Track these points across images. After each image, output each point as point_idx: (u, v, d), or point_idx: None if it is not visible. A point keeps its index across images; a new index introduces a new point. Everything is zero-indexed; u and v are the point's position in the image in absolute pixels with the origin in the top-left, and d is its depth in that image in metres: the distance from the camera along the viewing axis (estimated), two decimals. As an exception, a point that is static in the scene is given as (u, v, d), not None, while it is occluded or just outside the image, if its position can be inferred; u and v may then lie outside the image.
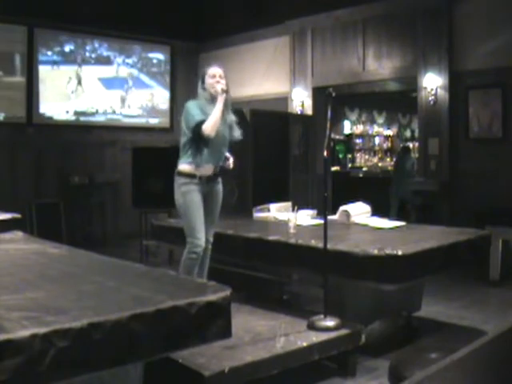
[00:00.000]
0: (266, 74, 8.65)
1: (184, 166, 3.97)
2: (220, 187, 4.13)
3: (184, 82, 9.48)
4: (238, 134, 4.12)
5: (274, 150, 7.31)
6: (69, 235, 7.73)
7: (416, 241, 3.69)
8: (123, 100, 8.93)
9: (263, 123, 7.12)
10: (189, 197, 3.93)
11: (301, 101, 8.22)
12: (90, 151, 8.51)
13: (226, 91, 3.93)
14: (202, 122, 3.83)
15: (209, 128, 3.80)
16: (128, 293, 2.32)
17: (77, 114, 8.47)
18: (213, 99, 3.94)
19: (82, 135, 8.45)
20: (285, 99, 8.40)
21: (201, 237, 3.91)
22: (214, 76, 3.99)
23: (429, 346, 2.82)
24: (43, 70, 8.12)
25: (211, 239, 4.13)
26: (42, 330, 1.81)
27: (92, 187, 8.39)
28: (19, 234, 3.98)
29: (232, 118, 4.08)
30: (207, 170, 3.99)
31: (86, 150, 8.45)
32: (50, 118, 8.23)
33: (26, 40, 7.91)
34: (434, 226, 4.66)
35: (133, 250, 7.21)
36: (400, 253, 3.30)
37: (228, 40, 9.10)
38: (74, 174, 8.24)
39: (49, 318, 1.93)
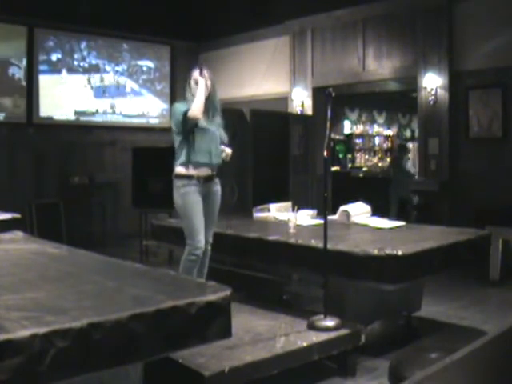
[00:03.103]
0: (266, 74, 8.65)
1: (180, 168, 3.99)
2: (218, 188, 4.13)
3: (184, 81, 9.45)
4: (224, 136, 4.18)
5: (274, 150, 7.31)
6: (69, 235, 7.72)
7: (416, 241, 3.69)
8: (115, 105, 8.93)
9: (263, 123, 7.11)
10: (188, 198, 3.94)
11: (301, 101, 8.22)
12: (89, 151, 8.51)
13: (213, 86, 4.03)
14: (187, 110, 3.88)
15: (194, 110, 3.85)
16: (128, 293, 2.32)
17: (77, 113, 8.47)
18: None
19: (82, 135, 8.45)
20: (285, 99, 8.40)
21: (201, 239, 3.91)
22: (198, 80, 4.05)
23: (429, 346, 2.82)
24: (43, 70, 8.11)
25: (211, 240, 4.13)
26: (42, 330, 1.81)
27: (92, 187, 8.39)
28: (19, 233, 3.98)
29: (219, 120, 4.13)
30: (204, 170, 4.01)
31: (85, 150, 8.45)
32: (50, 118, 8.23)
33: (26, 40, 7.91)
34: (434, 226, 4.66)
35: (133, 250, 7.21)
36: (400, 253, 3.30)
37: (228, 40, 9.11)
38: (73, 174, 8.24)
39: (49, 317, 1.93)
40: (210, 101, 4.02)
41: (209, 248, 4.12)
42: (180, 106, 4.01)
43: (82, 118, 8.54)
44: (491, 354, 1.46)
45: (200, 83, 3.96)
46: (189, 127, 3.92)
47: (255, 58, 8.84)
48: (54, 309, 2.05)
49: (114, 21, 8.34)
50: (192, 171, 3.96)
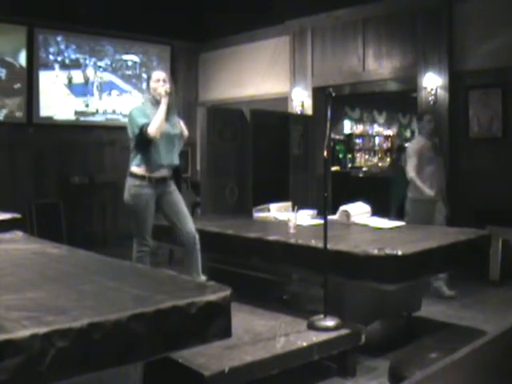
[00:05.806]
0: (266, 74, 8.65)
1: (135, 167, 4.05)
2: (173, 188, 4.19)
3: (184, 82, 9.48)
4: (185, 133, 4.24)
5: (274, 150, 7.30)
6: (69, 235, 7.73)
7: (416, 241, 3.69)
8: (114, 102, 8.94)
9: (263, 123, 7.11)
10: (138, 200, 4.03)
11: (301, 101, 8.21)
12: (90, 151, 8.51)
13: (170, 93, 4.01)
14: (145, 125, 3.91)
15: (153, 130, 3.89)
16: (128, 293, 2.31)
17: (77, 113, 8.47)
18: (157, 102, 4.03)
19: (82, 135, 8.44)
20: (285, 99, 8.39)
21: (148, 239, 4.12)
22: (158, 80, 4.07)
23: (429, 346, 2.82)
24: (43, 70, 8.11)
25: (193, 233, 4.19)
26: (42, 330, 1.81)
27: (92, 187, 8.39)
28: (19, 233, 3.98)
29: (176, 118, 4.19)
30: (158, 171, 4.07)
31: (85, 150, 8.45)
32: (50, 118, 8.23)
33: (26, 40, 7.91)
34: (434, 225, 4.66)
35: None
36: (400, 253, 3.30)
37: (228, 40, 9.10)
38: (73, 174, 8.24)
39: (49, 317, 1.93)
40: (169, 107, 4.02)
41: (196, 242, 4.18)
42: (138, 116, 3.99)
43: (82, 118, 8.54)
44: (491, 354, 1.46)
45: (162, 103, 3.96)
46: (145, 141, 3.94)
47: (255, 58, 8.84)
48: (54, 309, 2.05)
49: (113, 21, 8.33)
50: (146, 172, 4.02)
